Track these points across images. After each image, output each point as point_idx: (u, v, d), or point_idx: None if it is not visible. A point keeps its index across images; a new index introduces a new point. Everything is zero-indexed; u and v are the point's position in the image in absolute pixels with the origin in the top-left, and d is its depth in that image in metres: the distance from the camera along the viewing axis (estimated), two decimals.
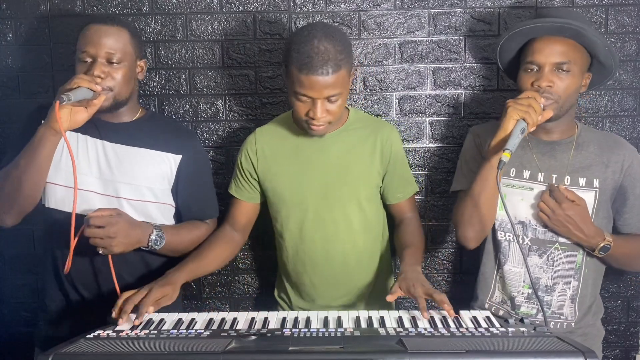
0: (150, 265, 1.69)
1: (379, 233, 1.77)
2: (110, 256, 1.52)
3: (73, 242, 1.47)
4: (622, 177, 1.61)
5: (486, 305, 1.71)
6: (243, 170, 1.73)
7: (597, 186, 1.60)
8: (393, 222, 1.81)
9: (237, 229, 1.77)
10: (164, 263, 1.71)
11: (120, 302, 1.39)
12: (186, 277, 1.56)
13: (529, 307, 1.65)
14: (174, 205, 1.71)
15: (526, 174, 1.62)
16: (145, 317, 1.36)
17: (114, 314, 1.37)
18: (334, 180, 1.66)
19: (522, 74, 1.57)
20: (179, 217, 1.73)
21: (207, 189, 1.78)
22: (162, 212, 1.67)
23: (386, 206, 1.78)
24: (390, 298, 1.42)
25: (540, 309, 1.63)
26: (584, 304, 1.64)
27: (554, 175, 1.61)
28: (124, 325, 1.34)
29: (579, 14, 1.80)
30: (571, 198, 1.55)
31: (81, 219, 1.48)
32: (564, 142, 1.64)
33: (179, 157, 1.67)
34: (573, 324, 1.64)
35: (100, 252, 1.49)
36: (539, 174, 1.62)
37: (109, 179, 1.61)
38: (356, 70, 1.61)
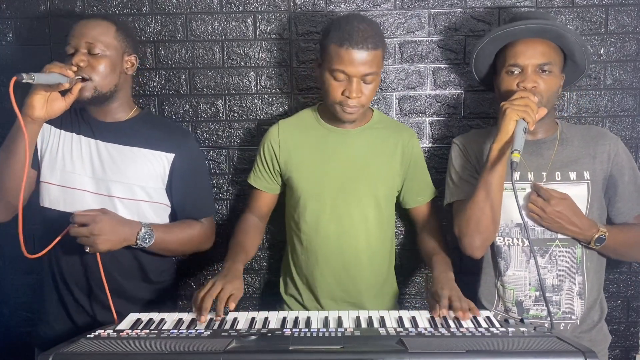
0: (143, 266, 1.69)
1: (391, 236, 1.80)
2: (98, 256, 1.50)
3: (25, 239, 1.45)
4: (610, 166, 1.63)
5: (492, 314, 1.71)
6: (265, 160, 1.75)
7: (589, 178, 1.61)
8: (414, 227, 1.85)
9: (259, 217, 1.80)
10: (157, 263, 1.71)
11: (199, 300, 1.38)
12: (242, 268, 1.57)
13: (538, 310, 1.64)
14: (169, 205, 1.70)
15: (516, 175, 1.62)
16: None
17: (196, 315, 1.37)
18: (354, 175, 1.69)
19: (505, 77, 1.58)
20: (174, 216, 1.73)
21: (202, 188, 1.78)
22: (156, 211, 1.67)
23: (406, 211, 1.82)
24: (435, 314, 1.38)
25: (549, 310, 1.63)
26: (590, 298, 1.64)
27: (544, 173, 1.62)
28: (123, 325, 1.34)
29: (551, 15, 1.82)
30: (555, 195, 1.56)
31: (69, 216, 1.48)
32: (549, 139, 1.65)
33: (171, 156, 1.67)
34: (578, 322, 1.63)
35: (86, 250, 1.48)
36: (529, 173, 1.62)
37: (102, 178, 1.61)
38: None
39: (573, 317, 1.63)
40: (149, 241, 1.57)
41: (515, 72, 1.56)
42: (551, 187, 1.59)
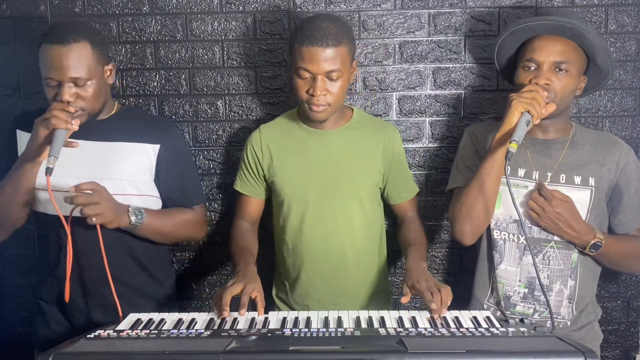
0: (138, 258, 1.69)
1: (377, 234, 1.79)
2: (103, 251, 1.50)
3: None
4: (617, 176, 1.61)
5: (485, 307, 1.71)
6: (249, 164, 1.75)
7: (593, 184, 1.60)
8: (395, 223, 1.83)
9: (250, 223, 1.79)
10: (152, 254, 1.71)
11: (217, 300, 1.39)
12: (255, 269, 1.58)
13: (525, 307, 1.65)
14: (159, 197, 1.70)
15: (521, 172, 1.62)
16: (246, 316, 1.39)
17: (218, 314, 1.38)
18: (336, 176, 1.69)
19: (520, 71, 1.58)
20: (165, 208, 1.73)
21: (190, 176, 1.78)
22: (147, 204, 1.66)
23: (389, 206, 1.81)
24: (404, 300, 1.44)
25: (536, 309, 1.63)
26: (581, 304, 1.64)
27: (549, 174, 1.61)
28: (124, 325, 1.34)
29: (578, 16, 1.78)
30: (558, 196, 1.55)
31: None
32: (559, 140, 1.64)
33: (157, 147, 1.66)
34: (569, 323, 1.63)
35: (93, 220, 1.46)
36: (534, 172, 1.62)
37: (89, 177, 1.58)
38: (357, 64, 1.68)
39: (558, 317, 1.63)
40: (141, 217, 1.57)
41: (532, 67, 1.54)
42: (554, 188, 1.58)
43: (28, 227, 1.87)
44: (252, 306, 1.43)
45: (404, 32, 1.94)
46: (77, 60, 1.51)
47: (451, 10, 1.93)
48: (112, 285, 1.51)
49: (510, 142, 1.40)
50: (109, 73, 1.63)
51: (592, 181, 1.60)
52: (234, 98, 1.99)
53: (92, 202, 1.45)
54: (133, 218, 1.55)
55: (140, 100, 1.98)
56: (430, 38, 1.94)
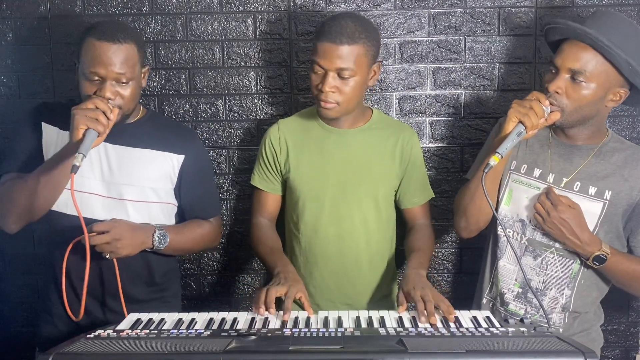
0: (151, 266, 1.68)
1: (390, 236, 1.79)
2: (115, 262, 1.53)
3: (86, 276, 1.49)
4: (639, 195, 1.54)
5: (484, 301, 1.71)
6: (267, 160, 1.75)
7: (608, 198, 1.53)
8: (405, 227, 1.82)
9: (270, 220, 1.79)
10: (163, 264, 1.71)
11: (262, 296, 1.39)
12: (294, 269, 1.59)
13: (516, 307, 1.63)
14: (177, 205, 1.71)
15: (537, 172, 1.59)
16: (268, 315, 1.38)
17: (254, 309, 1.38)
18: (353, 176, 1.68)
19: (546, 72, 1.52)
20: (181, 216, 1.74)
21: (209, 189, 1.80)
22: (165, 211, 1.68)
23: (400, 211, 1.80)
24: (401, 309, 1.41)
25: (527, 310, 1.62)
26: (575, 313, 1.60)
27: (565, 179, 1.56)
28: (123, 325, 1.34)
29: (624, 20, 1.52)
30: (566, 202, 1.51)
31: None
32: (585, 147, 1.57)
33: (181, 157, 1.67)
34: (561, 330, 1.60)
35: (107, 257, 1.50)
36: (550, 175, 1.57)
37: (112, 181, 1.60)
38: (379, 67, 1.64)
39: (550, 322, 1.59)
40: (164, 242, 1.59)
41: (553, 70, 1.47)
42: (565, 194, 1.53)
43: (28, 227, 1.87)
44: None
45: (404, 32, 1.94)
46: (124, 58, 1.52)
47: (451, 10, 1.93)
48: (120, 289, 1.54)
49: (493, 154, 1.35)
50: (143, 75, 1.64)
51: (607, 194, 1.53)
52: (234, 98, 1.99)
53: (106, 241, 1.47)
54: (156, 245, 1.58)
55: (141, 101, 1.97)
56: (430, 38, 1.94)
